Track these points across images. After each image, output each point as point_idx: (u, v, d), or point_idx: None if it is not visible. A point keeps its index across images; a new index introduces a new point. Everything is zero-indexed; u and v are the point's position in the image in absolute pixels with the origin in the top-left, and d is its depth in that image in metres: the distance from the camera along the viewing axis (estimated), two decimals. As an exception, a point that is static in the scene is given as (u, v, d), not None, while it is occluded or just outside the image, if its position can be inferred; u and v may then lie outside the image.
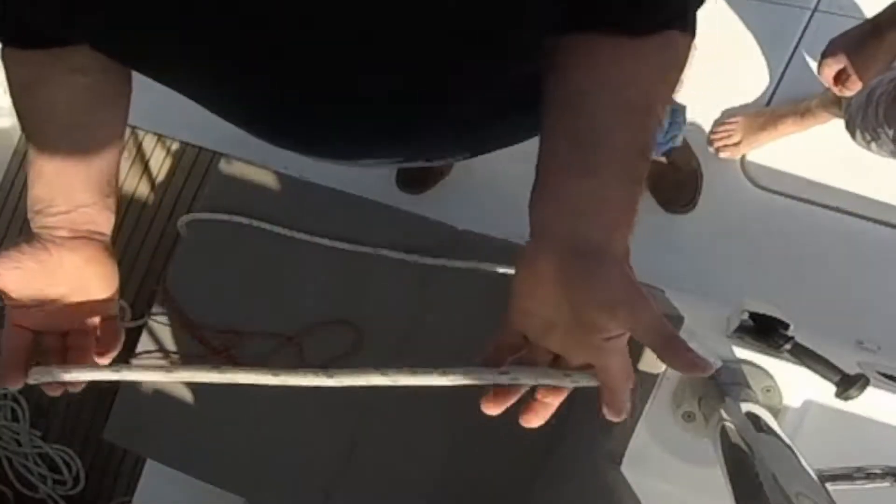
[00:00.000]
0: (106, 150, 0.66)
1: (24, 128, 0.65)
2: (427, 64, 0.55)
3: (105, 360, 0.63)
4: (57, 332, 0.63)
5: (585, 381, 0.51)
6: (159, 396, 1.30)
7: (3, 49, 0.63)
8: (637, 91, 0.52)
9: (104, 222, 0.67)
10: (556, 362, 0.53)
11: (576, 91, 0.52)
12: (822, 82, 1.16)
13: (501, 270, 1.13)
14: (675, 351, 0.46)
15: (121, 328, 0.66)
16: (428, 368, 0.53)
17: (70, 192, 0.64)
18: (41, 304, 0.62)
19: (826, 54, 1.12)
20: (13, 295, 0.60)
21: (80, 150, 0.64)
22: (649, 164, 0.52)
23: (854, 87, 1.11)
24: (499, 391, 0.53)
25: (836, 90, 1.14)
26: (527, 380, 0.52)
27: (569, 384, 0.51)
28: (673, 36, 0.53)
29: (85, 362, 0.62)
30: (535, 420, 0.53)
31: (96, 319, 0.65)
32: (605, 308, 0.47)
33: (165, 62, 0.57)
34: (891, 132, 1.24)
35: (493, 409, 0.53)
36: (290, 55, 0.53)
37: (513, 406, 0.55)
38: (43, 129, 0.64)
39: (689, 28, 0.54)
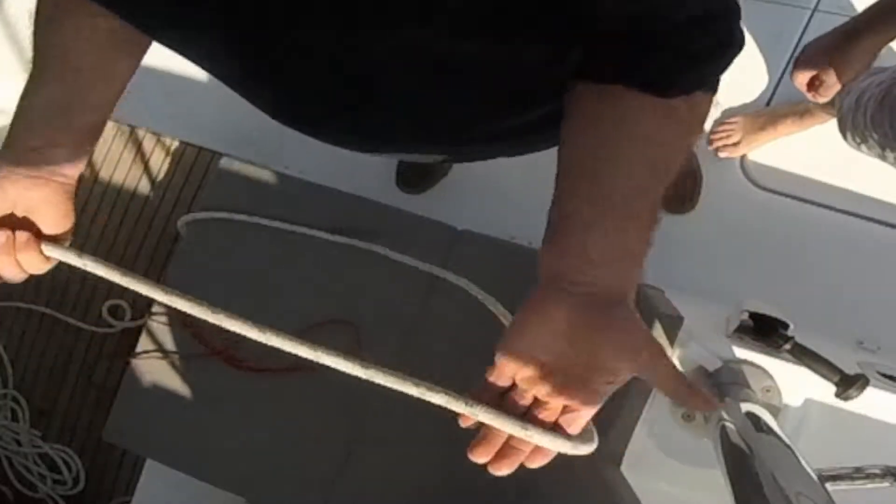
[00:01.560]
0: (102, 103, 0.66)
1: (34, 60, 0.64)
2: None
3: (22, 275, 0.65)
4: None
5: (549, 442, 0.52)
6: (159, 397, 1.30)
7: None
8: (661, 150, 0.52)
9: (71, 167, 0.66)
10: (535, 405, 0.53)
11: (601, 143, 0.52)
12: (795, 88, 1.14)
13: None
14: (690, 394, 0.50)
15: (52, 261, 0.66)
16: (411, 378, 0.53)
17: (50, 130, 0.64)
18: None
19: (799, 60, 1.10)
20: None
21: (77, 95, 0.64)
22: (657, 217, 0.53)
23: (828, 94, 1.09)
24: (484, 440, 0.54)
25: (809, 96, 1.12)
26: (493, 422, 0.52)
27: (541, 441, 0.52)
28: (699, 97, 0.53)
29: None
30: (504, 466, 0.54)
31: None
32: (628, 353, 0.50)
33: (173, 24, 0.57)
34: (876, 136, 1.23)
35: (480, 457, 0.54)
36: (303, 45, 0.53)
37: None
38: (50, 64, 0.63)
39: (713, 89, 0.55)
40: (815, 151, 1.72)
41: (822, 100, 1.11)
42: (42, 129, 0.64)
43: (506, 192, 1.74)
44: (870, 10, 1.03)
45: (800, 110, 1.66)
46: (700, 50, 0.51)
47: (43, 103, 0.64)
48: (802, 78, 1.10)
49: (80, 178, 0.68)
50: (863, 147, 1.32)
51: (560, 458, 0.54)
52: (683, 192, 1.77)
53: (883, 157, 1.28)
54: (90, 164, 2.27)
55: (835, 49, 1.06)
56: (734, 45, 0.53)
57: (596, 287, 0.50)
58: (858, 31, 1.04)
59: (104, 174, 2.26)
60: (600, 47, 0.50)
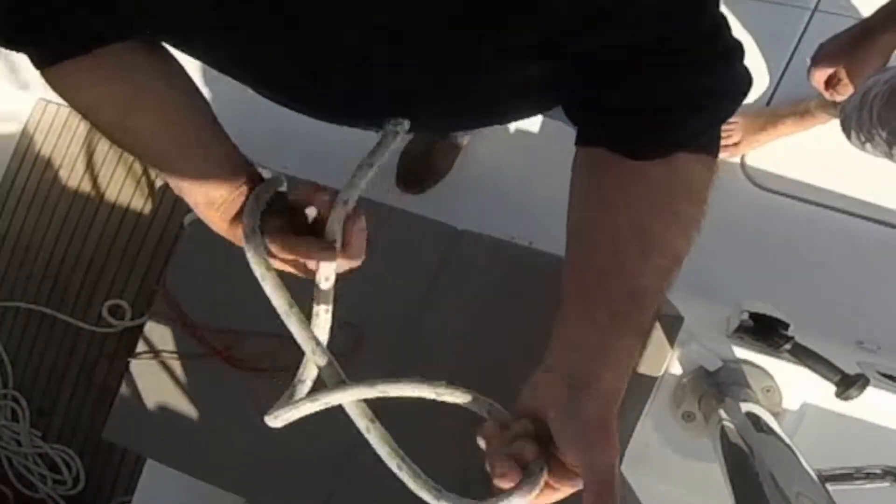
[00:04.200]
0: (217, 145, 0.70)
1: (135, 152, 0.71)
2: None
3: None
4: None
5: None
6: (159, 396, 1.30)
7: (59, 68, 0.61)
8: (634, 216, 0.52)
9: (250, 179, 0.71)
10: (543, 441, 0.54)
11: (582, 213, 0.54)
12: (813, 87, 1.15)
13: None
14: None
15: None
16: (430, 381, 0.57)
17: (211, 189, 0.70)
18: None
19: (816, 59, 1.11)
20: None
21: (200, 165, 0.69)
22: (649, 309, 0.54)
23: (845, 92, 1.10)
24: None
25: (827, 95, 1.13)
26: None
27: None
28: (682, 160, 0.51)
29: None
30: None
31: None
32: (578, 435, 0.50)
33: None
34: (884, 133, 1.23)
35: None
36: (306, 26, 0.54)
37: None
38: (163, 153, 0.69)
39: (703, 151, 0.52)
40: (816, 151, 1.72)
41: (840, 98, 1.12)
42: (218, 183, 0.70)
43: (506, 192, 1.74)
44: (885, 8, 1.04)
45: (800, 110, 1.66)
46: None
47: (188, 180, 0.70)
48: (820, 76, 1.11)
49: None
50: (867, 146, 1.32)
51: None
52: None
53: (889, 156, 1.28)
54: (90, 165, 2.28)
55: (851, 47, 1.07)
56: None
57: (573, 371, 0.52)
58: (874, 29, 1.04)
59: (105, 175, 2.27)
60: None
